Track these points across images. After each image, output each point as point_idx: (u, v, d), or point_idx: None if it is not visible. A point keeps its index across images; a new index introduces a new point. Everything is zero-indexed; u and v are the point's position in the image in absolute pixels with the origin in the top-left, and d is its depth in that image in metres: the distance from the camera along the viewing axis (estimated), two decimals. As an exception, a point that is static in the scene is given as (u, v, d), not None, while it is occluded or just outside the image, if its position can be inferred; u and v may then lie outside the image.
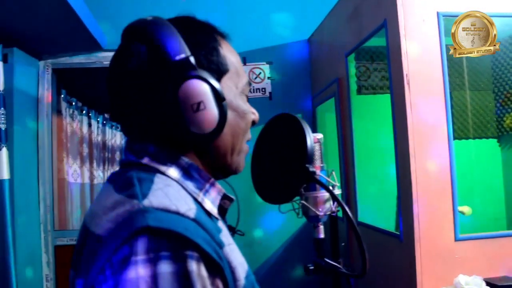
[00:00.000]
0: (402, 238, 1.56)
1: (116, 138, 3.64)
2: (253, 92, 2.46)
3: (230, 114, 0.69)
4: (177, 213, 0.56)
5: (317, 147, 0.96)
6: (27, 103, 2.22)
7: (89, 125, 3.27)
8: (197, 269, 0.52)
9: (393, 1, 1.52)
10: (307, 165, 0.84)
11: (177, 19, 0.71)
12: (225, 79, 0.71)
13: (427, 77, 1.49)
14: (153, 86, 0.65)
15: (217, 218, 0.67)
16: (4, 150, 1.84)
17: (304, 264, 0.98)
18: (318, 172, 0.94)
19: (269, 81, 2.49)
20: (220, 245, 0.58)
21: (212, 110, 0.64)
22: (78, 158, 3.12)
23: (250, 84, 0.77)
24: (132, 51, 0.67)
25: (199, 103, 0.63)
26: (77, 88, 2.90)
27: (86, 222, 0.61)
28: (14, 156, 1.98)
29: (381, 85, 2.10)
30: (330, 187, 0.84)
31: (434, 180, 1.49)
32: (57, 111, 2.60)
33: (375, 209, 1.93)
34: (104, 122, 3.46)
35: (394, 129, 1.55)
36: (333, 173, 0.98)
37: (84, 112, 3.20)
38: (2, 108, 1.83)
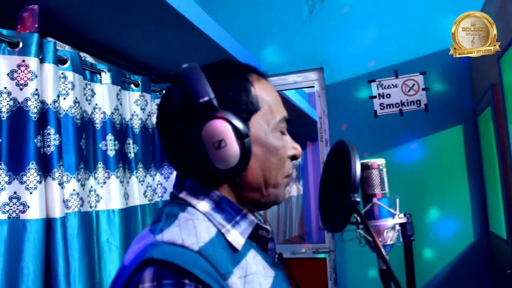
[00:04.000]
0: None
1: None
2: (407, 105, 2.35)
3: (258, 150, 0.75)
4: (182, 246, 0.64)
5: (375, 173, 0.91)
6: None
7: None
8: None
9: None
10: (350, 194, 0.81)
11: (214, 64, 0.80)
12: (256, 117, 0.76)
13: None
14: (183, 126, 0.75)
15: (237, 249, 0.72)
16: (113, 178, 2.07)
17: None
18: (375, 200, 0.89)
19: (423, 92, 2.35)
20: (224, 276, 0.63)
21: (233, 147, 0.70)
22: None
23: (287, 120, 0.81)
24: (170, 95, 0.77)
25: (220, 141, 0.70)
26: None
27: None
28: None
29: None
30: (395, 216, 0.80)
31: None
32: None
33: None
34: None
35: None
36: (397, 200, 0.92)
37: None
38: (110, 134, 2.03)
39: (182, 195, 0.76)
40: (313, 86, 2.54)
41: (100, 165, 1.71)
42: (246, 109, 0.75)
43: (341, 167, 0.86)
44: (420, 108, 2.35)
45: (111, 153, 1.74)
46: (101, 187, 1.70)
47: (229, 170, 0.70)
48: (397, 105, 2.36)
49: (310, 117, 3.56)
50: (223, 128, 0.69)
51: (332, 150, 0.96)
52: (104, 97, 1.74)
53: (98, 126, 1.72)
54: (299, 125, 3.64)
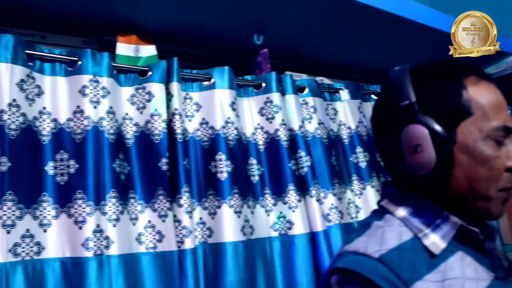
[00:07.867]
0: None
1: None
2: None
3: (464, 158, 0.70)
4: (364, 254, 0.68)
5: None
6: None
7: None
8: None
9: None
10: None
11: (427, 65, 0.78)
12: (466, 123, 0.71)
13: None
14: (386, 128, 0.78)
15: (434, 254, 0.70)
16: (369, 188, 1.82)
17: None
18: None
19: None
20: (407, 282, 0.65)
21: (429, 152, 0.68)
22: None
23: (508, 129, 0.72)
24: (378, 97, 0.84)
25: (416, 146, 0.69)
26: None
27: None
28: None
29: None
30: None
31: None
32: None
33: None
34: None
35: None
36: None
37: None
38: (359, 147, 1.83)
39: (384, 202, 0.78)
40: None
41: (354, 177, 1.79)
42: (453, 114, 0.71)
43: None
44: None
45: (363, 164, 1.80)
46: (359, 198, 1.77)
47: (426, 176, 0.69)
48: None
49: None
50: (421, 133, 0.69)
51: None
52: (347, 113, 1.82)
53: (346, 141, 1.81)
54: None
